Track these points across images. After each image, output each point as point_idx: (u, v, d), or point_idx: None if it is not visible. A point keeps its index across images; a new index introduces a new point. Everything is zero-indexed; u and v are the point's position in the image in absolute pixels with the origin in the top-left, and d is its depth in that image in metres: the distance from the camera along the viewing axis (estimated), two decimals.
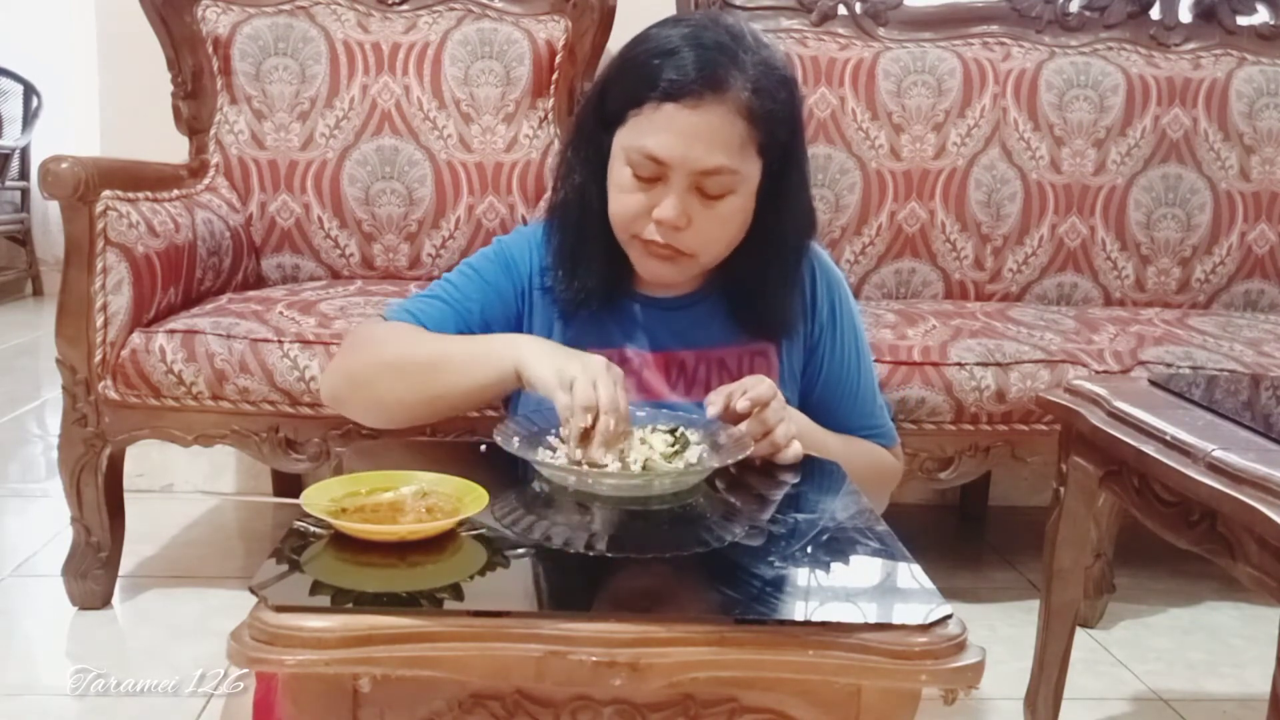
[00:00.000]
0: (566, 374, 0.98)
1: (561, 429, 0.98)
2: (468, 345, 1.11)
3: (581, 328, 1.17)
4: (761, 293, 1.16)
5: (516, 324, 1.19)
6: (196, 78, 2.07)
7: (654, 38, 1.08)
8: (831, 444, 1.16)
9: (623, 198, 1.09)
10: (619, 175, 1.09)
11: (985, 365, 1.75)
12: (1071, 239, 2.22)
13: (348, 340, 1.23)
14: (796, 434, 1.05)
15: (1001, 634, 1.80)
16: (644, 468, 0.95)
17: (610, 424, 0.95)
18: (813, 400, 1.23)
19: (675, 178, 1.05)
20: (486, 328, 1.17)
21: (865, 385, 1.25)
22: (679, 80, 1.03)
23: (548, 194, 1.22)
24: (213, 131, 2.08)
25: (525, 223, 1.48)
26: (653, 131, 1.05)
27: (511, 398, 1.20)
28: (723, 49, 1.05)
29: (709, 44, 1.05)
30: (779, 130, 1.08)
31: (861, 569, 0.83)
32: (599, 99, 1.13)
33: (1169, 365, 1.77)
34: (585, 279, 1.15)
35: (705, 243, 1.10)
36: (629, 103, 1.07)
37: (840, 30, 2.24)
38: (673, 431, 1.01)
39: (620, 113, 1.08)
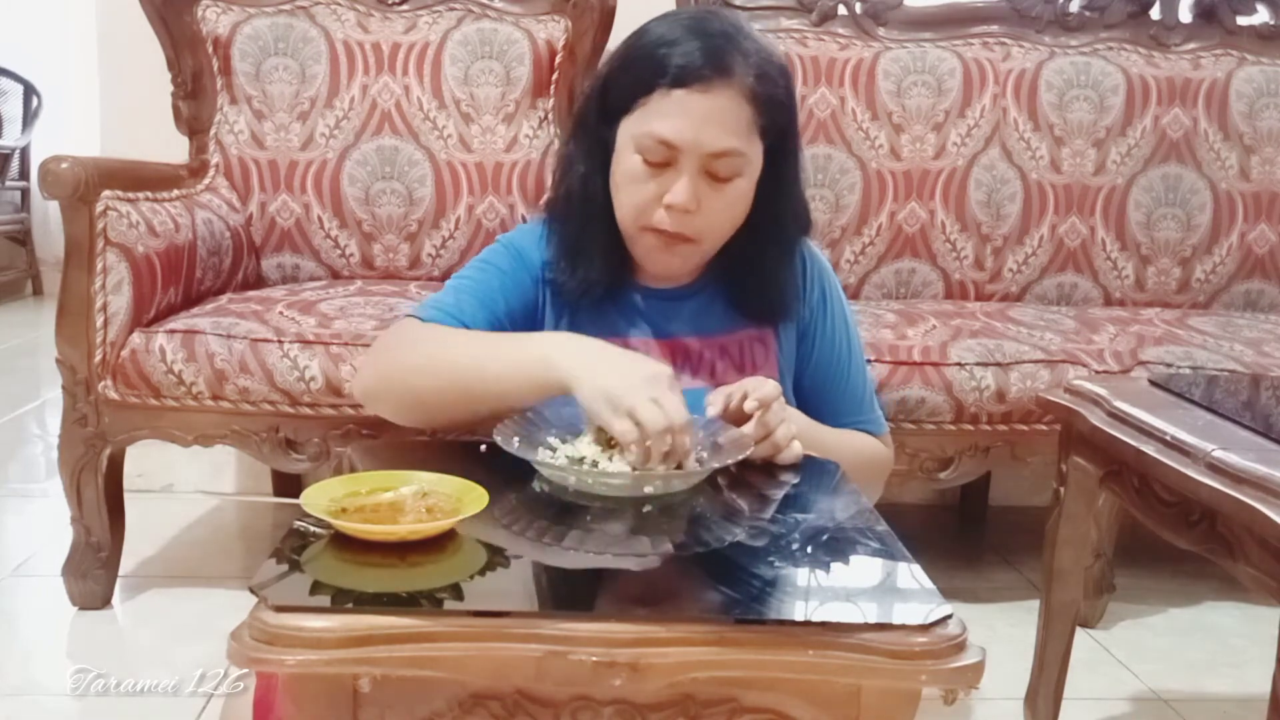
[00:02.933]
0: (623, 402, 0.94)
1: (625, 453, 0.95)
2: (508, 351, 1.07)
3: (585, 318, 1.18)
4: (760, 278, 1.18)
5: (535, 309, 1.20)
6: (196, 78, 2.07)
7: (655, 30, 1.11)
8: (828, 440, 1.17)
9: (632, 187, 1.10)
10: (628, 164, 1.10)
11: (985, 365, 1.75)
12: (1071, 239, 2.22)
13: (383, 340, 1.21)
14: (796, 434, 1.05)
15: (1001, 634, 1.80)
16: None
17: (686, 442, 0.95)
18: (804, 387, 1.24)
19: (686, 161, 1.07)
20: (511, 316, 1.17)
21: (856, 374, 1.27)
22: (688, 66, 1.06)
23: (548, 191, 1.23)
24: (213, 131, 2.07)
25: (525, 221, 1.48)
26: (663, 116, 1.07)
27: None
28: (726, 36, 1.08)
29: (713, 32, 1.08)
30: (780, 115, 1.11)
31: (861, 569, 0.83)
32: (601, 93, 1.14)
33: (1169, 365, 1.77)
34: (588, 269, 1.16)
35: (711, 226, 1.12)
36: (636, 92, 1.09)
37: (840, 30, 2.24)
38: None
39: (627, 103, 1.10)
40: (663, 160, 1.08)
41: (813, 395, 1.24)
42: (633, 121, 1.10)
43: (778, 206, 1.15)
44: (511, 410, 1.05)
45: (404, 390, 1.11)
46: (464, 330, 1.14)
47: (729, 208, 1.11)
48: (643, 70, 1.09)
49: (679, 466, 0.95)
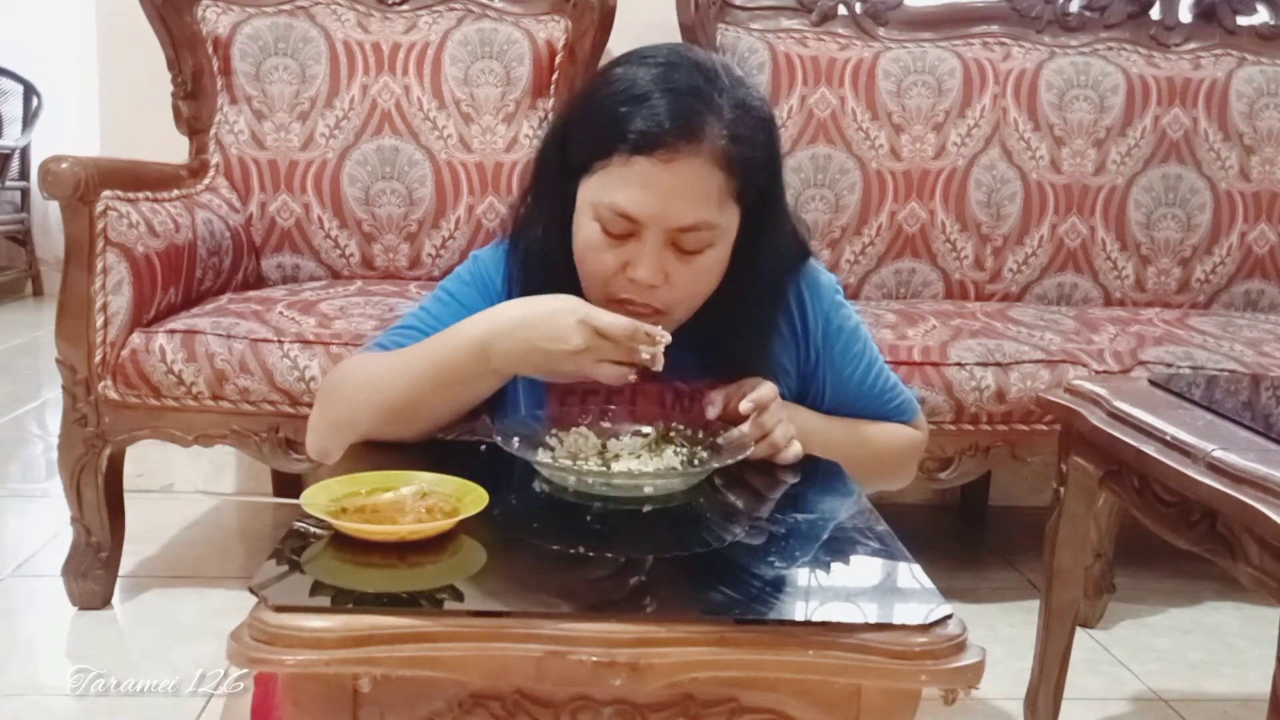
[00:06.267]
0: (556, 347, 0.95)
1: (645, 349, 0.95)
2: (429, 347, 1.04)
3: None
4: (736, 338, 1.09)
5: None
6: (196, 78, 2.07)
7: (620, 79, 0.99)
8: (837, 433, 1.14)
9: (593, 257, 1.01)
10: (587, 232, 1.00)
11: (985, 365, 1.75)
12: (1071, 239, 2.22)
13: (320, 392, 1.14)
14: (796, 434, 1.05)
15: (1001, 634, 1.80)
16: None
17: (643, 330, 0.93)
18: (824, 410, 1.18)
19: (649, 235, 0.97)
20: None
21: (875, 377, 1.20)
22: (651, 132, 0.94)
23: (506, 231, 1.14)
24: (213, 131, 2.08)
25: None
26: (624, 187, 0.96)
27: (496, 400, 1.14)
28: (696, 93, 0.96)
29: (681, 88, 0.96)
30: (758, 177, 1.01)
31: (861, 569, 0.83)
32: (560, 143, 1.04)
33: (1169, 365, 1.77)
34: None
35: (681, 299, 1.03)
36: (595, 153, 0.98)
37: (840, 30, 2.24)
38: (669, 437, 1.01)
39: (586, 163, 1.00)
40: (624, 232, 0.98)
41: (839, 412, 1.17)
42: (592, 186, 0.99)
43: (755, 266, 1.05)
44: (465, 406, 1.03)
45: (352, 432, 1.04)
46: (387, 354, 1.07)
47: (698, 279, 1.02)
48: (603, 129, 0.97)
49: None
